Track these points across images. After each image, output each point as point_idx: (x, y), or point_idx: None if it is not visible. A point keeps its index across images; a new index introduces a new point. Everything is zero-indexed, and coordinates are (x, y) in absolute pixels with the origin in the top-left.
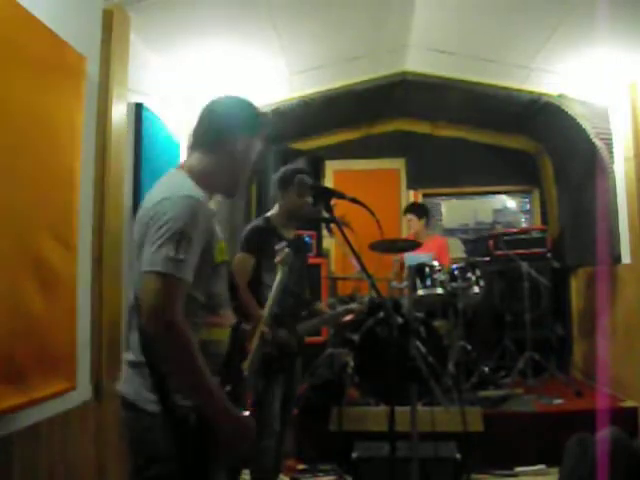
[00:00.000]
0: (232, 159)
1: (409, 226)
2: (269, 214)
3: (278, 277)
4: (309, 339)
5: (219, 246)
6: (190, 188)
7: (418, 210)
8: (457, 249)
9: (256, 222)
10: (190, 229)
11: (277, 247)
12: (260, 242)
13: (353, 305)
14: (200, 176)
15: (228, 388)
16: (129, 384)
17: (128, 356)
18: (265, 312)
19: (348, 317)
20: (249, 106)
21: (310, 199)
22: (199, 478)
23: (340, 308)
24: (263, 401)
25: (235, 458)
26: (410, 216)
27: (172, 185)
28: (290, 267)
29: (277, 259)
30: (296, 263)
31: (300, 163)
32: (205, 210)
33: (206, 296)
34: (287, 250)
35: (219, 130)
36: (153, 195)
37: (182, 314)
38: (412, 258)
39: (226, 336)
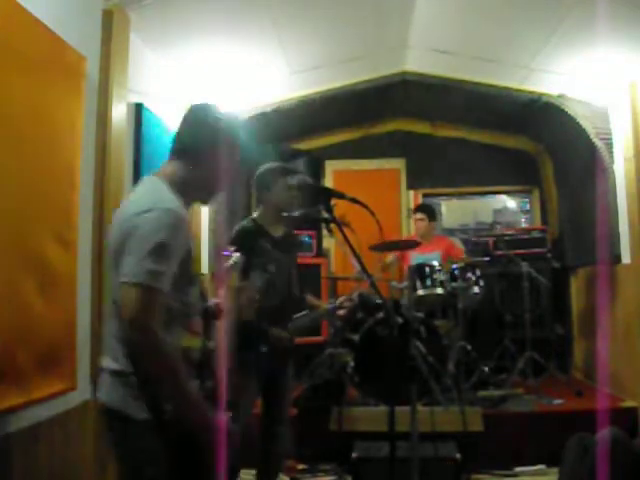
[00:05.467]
0: (209, 168)
1: (416, 225)
2: (255, 215)
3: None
4: (309, 339)
5: (194, 257)
6: (171, 200)
7: (429, 211)
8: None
9: (243, 223)
10: (171, 242)
11: (226, 253)
12: (248, 243)
13: (342, 298)
14: (178, 185)
15: (209, 384)
16: (113, 393)
17: (109, 364)
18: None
19: (341, 312)
20: (225, 115)
21: (295, 193)
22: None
23: (328, 305)
24: (240, 399)
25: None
26: (421, 215)
27: (154, 196)
28: (279, 266)
29: (227, 264)
30: (284, 262)
31: (300, 163)
32: (185, 223)
33: (182, 305)
34: (237, 256)
35: (196, 140)
36: (134, 204)
37: (160, 324)
38: (419, 258)
39: (198, 343)
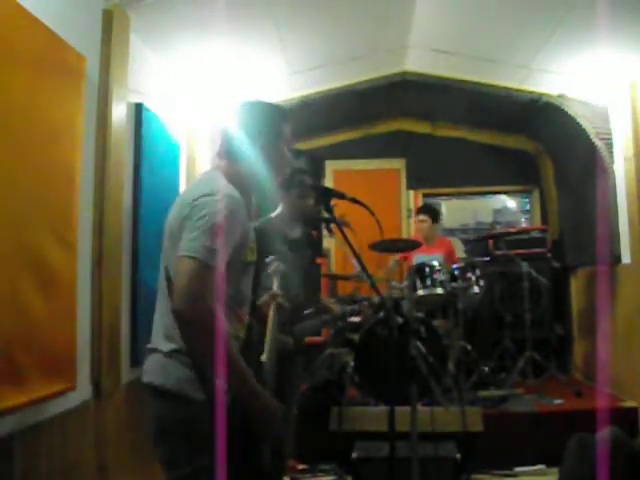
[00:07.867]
0: (264, 164)
1: (418, 227)
2: (273, 214)
3: (274, 285)
4: (309, 339)
5: (251, 246)
6: (231, 188)
7: (433, 213)
8: (457, 249)
9: (258, 223)
10: (227, 225)
11: (267, 260)
12: (261, 243)
13: (356, 307)
14: (235, 180)
15: None
16: (167, 373)
17: (162, 345)
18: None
19: (355, 318)
20: (275, 110)
21: (311, 200)
22: (245, 462)
23: (340, 310)
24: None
25: (271, 441)
26: (424, 217)
27: (214, 183)
28: (292, 268)
29: (269, 270)
30: (298, 263)
31: (300, 163)
32: (243, 210)
33: (234, 291)
34: (277, 264)
35: (248, 138)
36: (193, 191)
37: (212, 299)
38: (421, 259)
39: (243, 334)
